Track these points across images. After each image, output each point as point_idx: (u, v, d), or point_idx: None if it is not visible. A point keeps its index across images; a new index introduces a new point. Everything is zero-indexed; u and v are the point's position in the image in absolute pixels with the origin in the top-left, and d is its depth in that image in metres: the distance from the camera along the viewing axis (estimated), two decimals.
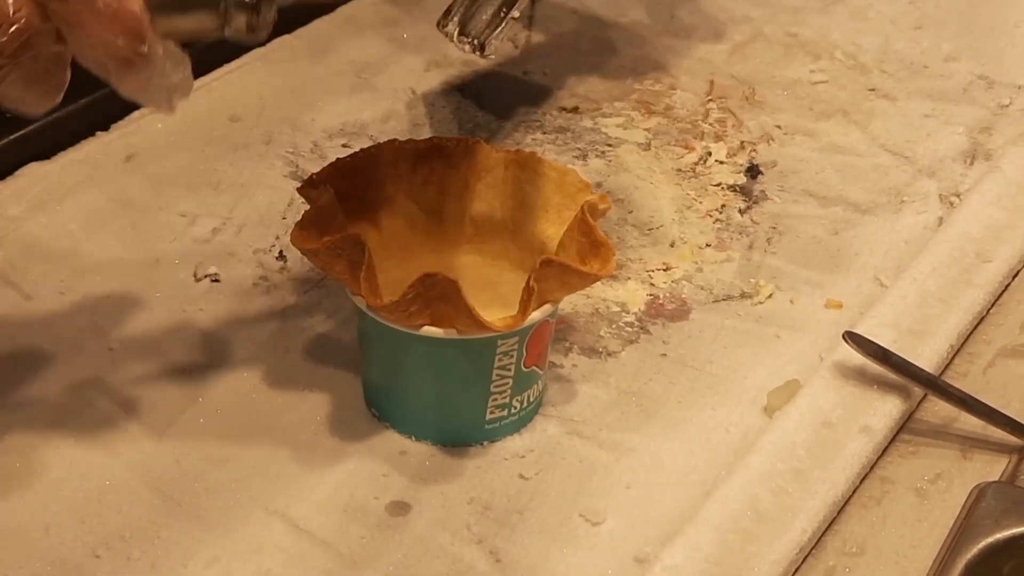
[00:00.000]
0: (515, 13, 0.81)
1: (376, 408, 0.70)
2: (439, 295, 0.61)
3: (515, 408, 0.68)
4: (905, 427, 0.70)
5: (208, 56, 0.97)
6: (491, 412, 0.67)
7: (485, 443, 0.68)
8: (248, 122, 0.93)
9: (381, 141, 0.73)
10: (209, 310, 0.76)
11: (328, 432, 0.69)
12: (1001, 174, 0.86)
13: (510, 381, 0.66)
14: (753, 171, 0.89)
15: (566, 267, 0.63)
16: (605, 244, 0.65)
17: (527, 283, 0.63)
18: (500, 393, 0.67)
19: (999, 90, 0.98)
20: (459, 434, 0.68)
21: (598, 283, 0.73)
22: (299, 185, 0.69)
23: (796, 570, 0.62)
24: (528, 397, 0.68)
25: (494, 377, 0.66)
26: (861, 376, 0.70)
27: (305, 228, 0.65)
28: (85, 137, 0.89)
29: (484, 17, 0.81)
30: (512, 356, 0.65)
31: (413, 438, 0.68)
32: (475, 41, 0.81)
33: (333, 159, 0.71)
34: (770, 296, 0.79)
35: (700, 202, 0.86)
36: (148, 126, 0.91)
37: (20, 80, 0.55)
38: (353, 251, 0.63)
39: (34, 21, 0.53)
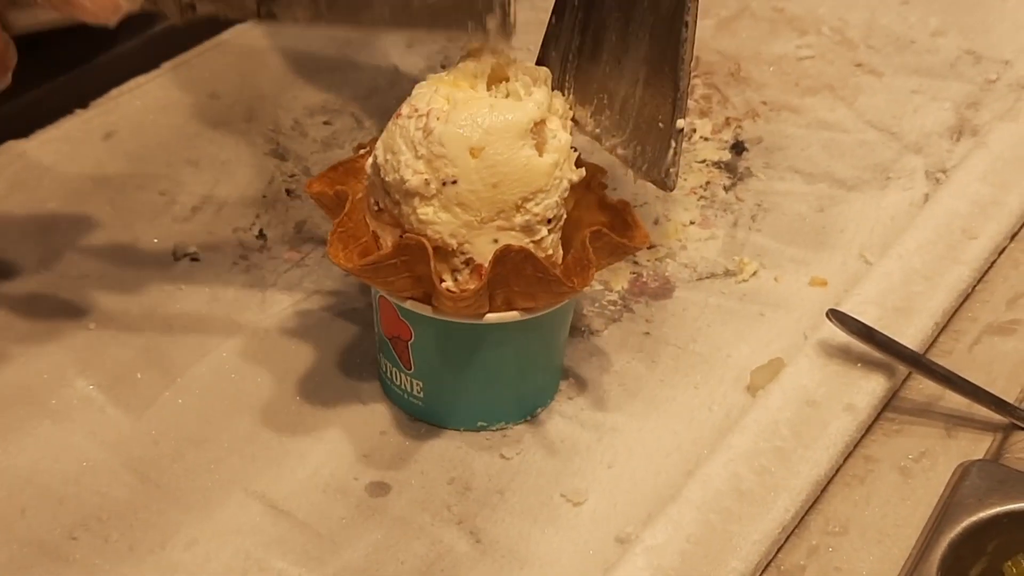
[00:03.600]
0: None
1: (436, 417, 0.68)
2: (513, 269, 0.60)
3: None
4: (889, 405, 0.70)
5: (187, 32, 0.96)
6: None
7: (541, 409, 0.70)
8: (228, 99, 0.92)
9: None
10: (188, 289, 0.76)
11: (308, 413, 0.68)
12: (988, 150, 0.85)
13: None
14: (738, 148, 0.89)
15: (613, 240, 0.63)
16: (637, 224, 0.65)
17: (584, 243, 0.62)
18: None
19: (986, 65, 0.97)
20: (536, 403, 0.69)
21: None
22: (308, 187, 0.66)
23: (779, 549, 0.62)
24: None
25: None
26: (845, 354, 0.69)
27: (340, 241, 0.63)
28: (63, 115, 0.89)
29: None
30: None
31: (491, 426, 0.68)
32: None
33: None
34: (754, 274, 0.78)
35: (684, 179, 0.85)
36: (127, 104, 0.90)
37: None
38: (415, 256, 0.60)
39: None
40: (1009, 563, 0.61)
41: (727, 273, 0.78)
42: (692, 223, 0.82)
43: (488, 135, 0.60)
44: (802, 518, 0.63)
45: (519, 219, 0.61)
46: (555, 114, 0.62)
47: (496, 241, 0.61)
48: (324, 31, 0.69)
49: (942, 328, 0.74)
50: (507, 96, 0.62)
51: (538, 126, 0.61)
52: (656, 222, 0.81)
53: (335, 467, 0.65)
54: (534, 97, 0.61)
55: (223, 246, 0.79)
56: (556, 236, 0.63)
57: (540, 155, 0.61)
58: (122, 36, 0.93)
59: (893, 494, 0.65)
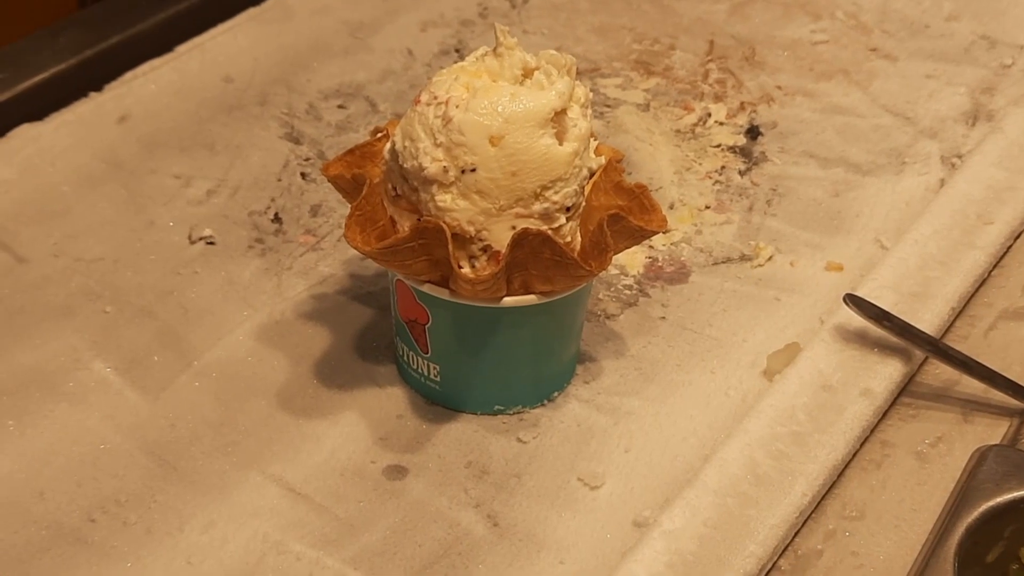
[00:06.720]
0: None
1: (452, 400, 0.68)
2: (531, 253, 0.60)
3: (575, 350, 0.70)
4: (906, 390, 0.70)
5: (201, 15, 0.96)
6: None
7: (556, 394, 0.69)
8: (242, 83, 0.92)
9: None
10: (203, 273, 0.76)
11: (324, 396, 0.68)
12: (1003, 135, 0.85)
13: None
14: (753, 132, 0.89)
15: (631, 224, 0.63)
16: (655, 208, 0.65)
17: (601, 226, 0.62)
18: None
19: (1001, 50, 0.97)
20: (553, 387, 0.69)
21: None
22: (324, 170, 0.66)
23: (796, 534, 0.62)
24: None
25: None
26: (862, 339, 0.69)
27: (358, 225, 0.63)
28: (77, 98, 0.88)
29: None
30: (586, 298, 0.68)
31: (508, 410, 0.68)
32: None
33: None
34: (770, 258, 0.78)
35: (699, 163, 0.85)
36: (141, 87, 0.90)
37: None
38: (433, 239, 0.61)
39: None
40: None
41: (743, 258, 0.78)
42: (707, 207, 0.82)
43: (508, 123, 0.60)
44: (819, 503, 0.63)
45: (537, 207, 0.61)
46: (576, 102, 0.62)
47: (514, 228, 0.61)
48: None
49: (958, 313, 0.74)
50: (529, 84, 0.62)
51: (559, 115, 0.61)
52: (671, 206, 0.81)
53: (352, 450, 0.66)
54: (556, 86, 0.61)
55: (238, 229, 0.79)
56: (575, 224, 0.63)
57: (560, 144, 0.61)
58: (136, 19, 0.93)
59: (910, 479, 0.65)
